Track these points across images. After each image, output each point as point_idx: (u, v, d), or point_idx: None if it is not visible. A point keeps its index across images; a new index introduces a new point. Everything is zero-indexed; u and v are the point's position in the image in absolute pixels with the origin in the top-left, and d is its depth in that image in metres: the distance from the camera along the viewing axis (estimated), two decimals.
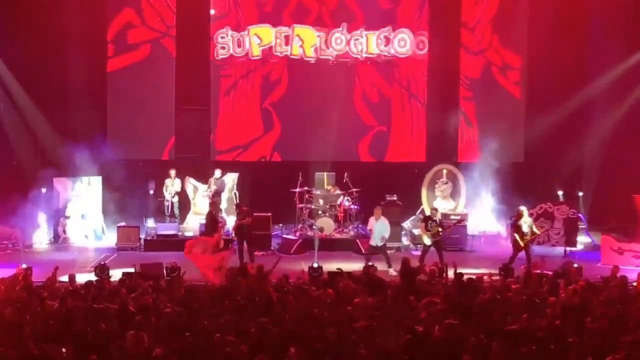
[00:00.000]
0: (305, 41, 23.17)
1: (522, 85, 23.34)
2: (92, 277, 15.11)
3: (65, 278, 14.54)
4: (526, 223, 17.46)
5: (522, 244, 17.28)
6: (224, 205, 21.51)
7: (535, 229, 17.76)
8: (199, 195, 21.61)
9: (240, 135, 23.47)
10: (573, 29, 22.47)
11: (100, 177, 21.47)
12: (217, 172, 21.23)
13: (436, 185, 22.00)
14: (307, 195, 20.79)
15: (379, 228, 17.63)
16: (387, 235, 17.70)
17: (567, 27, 22.43)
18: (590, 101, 22.49)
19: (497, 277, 14.89)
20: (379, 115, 23.56)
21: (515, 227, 17.47)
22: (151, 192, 21.58)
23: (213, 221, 18.38)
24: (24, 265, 15.15)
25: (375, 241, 17.61)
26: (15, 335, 10.44)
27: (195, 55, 23.05)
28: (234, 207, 20.67)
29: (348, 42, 23.16)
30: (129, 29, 22.91)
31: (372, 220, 17.91)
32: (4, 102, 21.59)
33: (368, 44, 23.22)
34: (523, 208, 17.76)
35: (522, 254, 17.45)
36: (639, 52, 22.18)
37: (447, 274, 14.80)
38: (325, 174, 21.19)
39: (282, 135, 23.43)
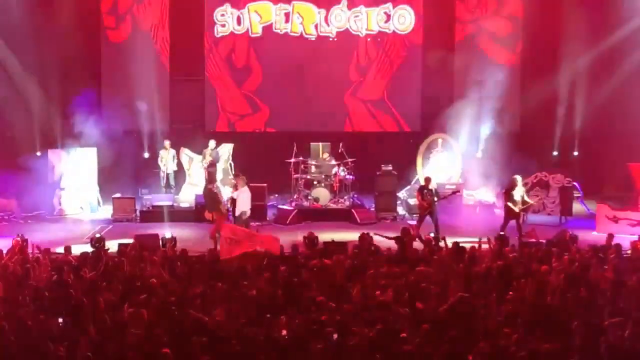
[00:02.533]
0: (305, 18, 23.11)
1: (515, 52, 23.30)
2: (88, 248, 15.12)
3: (61, 249, 14.60)
4: (519, 192, 17.44)
5: (516, 210, 17.27)
6: (219, 175, 21.46)
7: (527, 199, 17.74)
8: (194, 166, 21.57)
9: (235, 106, 23.56)
10: None
11: (95, 149, 21.43)
12: (212, 143, 21.19)
13: (431, 155, 21.97)
14: (302, 166, 20.78)
15: (241, 199, 17.37)
16: (246, 208, 17.32)
17: None
18: (586, 68, 22.41)
19: (487, 246, 14.88)
20: (363, 72, 23.55)
21: (508, 195, 17.46)
22: (146, 155, 21.51)
23: (213, 196, 18.28)
24: (20, 237, 15.13)
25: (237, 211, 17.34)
26: (11, 308, 10.48)
27: (190, 26, 23.01)
28: (231, 178, 20.75)
29: (348, 19, 23.13)
30: (130, 2, 22.90)
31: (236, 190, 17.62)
32: None
33: (368, 20, 23.16)
34: (517, 177, 17.71)
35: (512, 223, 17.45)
36: (634, 18, 22.08)
37: (446, 243, 14.82)
38: (320, 144, 21.16)
39: (272, 114, 23.46)
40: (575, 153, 22.34)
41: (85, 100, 21.80)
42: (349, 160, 20.70)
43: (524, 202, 17.46)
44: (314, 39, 23.20)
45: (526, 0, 23.08)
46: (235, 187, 17.60)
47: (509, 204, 17.31)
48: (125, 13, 22.94)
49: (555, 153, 22.17)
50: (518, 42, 23.38)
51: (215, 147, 21.23)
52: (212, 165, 20.82)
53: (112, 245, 15.23)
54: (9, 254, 13.78)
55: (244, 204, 17.26)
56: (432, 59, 22.81)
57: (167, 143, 21.43)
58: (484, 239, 14.53)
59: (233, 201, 18.16)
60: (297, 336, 9.62)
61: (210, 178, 19.19)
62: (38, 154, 20.74)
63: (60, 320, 10.31)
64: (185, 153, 21.72)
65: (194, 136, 22.32)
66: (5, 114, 21.44)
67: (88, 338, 9.49)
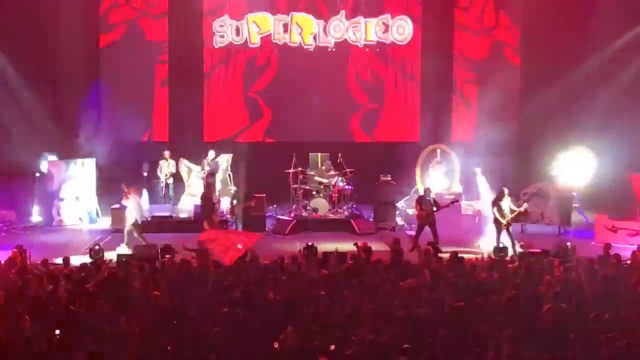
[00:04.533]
0: (304, 29, 23.12)
1: (515, 61, 23.28)
2: (86, 259, 15.12)
3: (59, 260, 14.58)
4: (506, 204, 17.44)
5: (503, 222, 17.29)
6: (217, 186, 21.49)
7: (513, 207, 17.70)
8: (193, 177, 21.56)
9: (225, 127, 23.47)
10: (570, 7, 22.40)
11: (94, 159, 21.43)
12: (211, 153, 21.19)
13: (430, 165, 21.97)
14: (301, 176, 20.78)
15: (129, 208, 17.68)
16: (135, 216, 17.58)
17: (564, 5, 22.40)
18: (587, 78, 22.41)
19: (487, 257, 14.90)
20: (372, 94, 23.56)
21: (496, 207, 17.47)
22: (145, 174, 21.52)
23: (209, 203, 18.39)
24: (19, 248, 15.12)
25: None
26: (9, 319, 10.46)
27: (188, 36, 23.04)
28: (229, 188, 20.86)
29: (347, 30, 23.14)
30: (119, 9, 22.87)
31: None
32: None
33: (367, 31, 23.19)
34: (504, 189, 17.74)
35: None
36: (637, 26, 22.13)
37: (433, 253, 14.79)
38: (319, 154, 21.18)
39: (273, 120, 23.41)
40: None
41: (85, 111, 21.81)
42: (348, 170, 20.69)
43: (512, 211, 17.45)
44: (312, 50, 23.22)
45: (526, 9, 23.09)
46: (127, 195, 17.86)
47: (497, 215, 17.36)
48: (125, 24, 22.95)
49: (554, 173, 22.02)
50: (518, 50, 23.36)
51: (215, 158, 21.24)
52: (211, 175, 20.80)
53: (110, 256, 15.23)
54: (7, 264, 13.78)
55: (133, 212, 17.56)
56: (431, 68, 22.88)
57: (166, 153, 21.44)
58: (484, 251, 14.57)
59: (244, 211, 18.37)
60: (295, 349, 9.60)
61: (209, 188, 19.21)
62: (37, 175, 20.67)
63: (57, 331, 10.28)
64: (184, 163, 21.72)
65: (193, 147, 22.31)
66: (5, 124, 21.44)
67: (85, 350, 9.45)
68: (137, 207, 17.69)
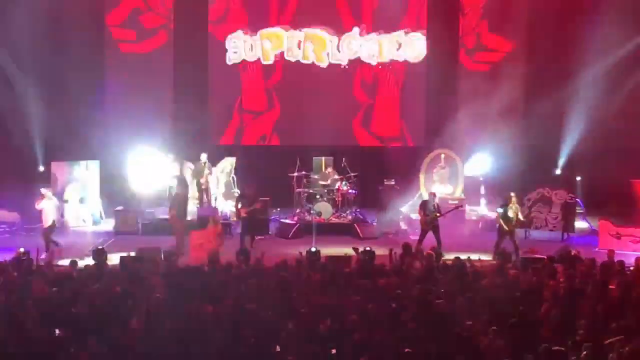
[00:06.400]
0: (317, 45, 23.13)
1: (519, 67, 23.29)
2: (90, 261, 15.11)
3: (63, 262, 14.59)
4: (512, 209, 17.41)
5: (506, 228, 17.26)
6: (221, 189, 21.54)
7: (520, 216, 17.67)
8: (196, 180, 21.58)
9: (255, 103, 23.59)
10: (573, 13, 22.41)
11: (98, 161, 21.47)
12: (203, 156, 21.07)
13: (434, 170, 21.97)
14: (305, 180, 20.79)
15: (46, 211, 17.63)
16: (53, 218, 17.62)
17: (567, 11, 22.40)
18: (590, 85, 22.42)
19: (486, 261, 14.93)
20: (376, 99, 23.63)
21: (502, 212, 17.44)
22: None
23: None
24: (22, 249, 15.15)
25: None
26: (11, 319, 10.49)
27: (194, 41, 23.11)
28: (233, 191, 20.83)
29: (360, 47, 23.21)
30: (135, 15, 23.01)
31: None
32: (2, 86, 21.54)
33: (380, 48, 23.22)
34: (512, 194, 17.71)
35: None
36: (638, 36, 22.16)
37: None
38: (323, 158, 21.19)
39: (281, 117, 23.48)
40: (578, 178, 22.26)
41: (89, 113, 21.84)
42: (352, 174, 20.71)
43: (517, 219, 17.41)
44: (325, 67, 23.22)
45: (530, 17, 23.10)
46: (42, 198, 17.77)
47: (501, 221, 17.33)
48: (130, 25, 23.01)
49: (558, 172, 22.04)
50: (522, 58, 23.38)
51: (207, 160, 21.16)
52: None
53: (114, 258, 15.24)
54: (11, 266, 13.79)
55: (50, 215, 17.53)
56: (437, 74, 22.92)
57: (171, 157, 21.46)
58: (485, 256, 14.55)
59: (250, 214, 18.33)
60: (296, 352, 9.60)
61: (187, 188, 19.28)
62: (41, 169, 20.72)
63: (57, 331, 10.30)
64: (188, 167, 21.74)
65: (198, 150, 22.29)
66: (8, 125, 21.47)
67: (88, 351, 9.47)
68: (54, 210, 17.74)
